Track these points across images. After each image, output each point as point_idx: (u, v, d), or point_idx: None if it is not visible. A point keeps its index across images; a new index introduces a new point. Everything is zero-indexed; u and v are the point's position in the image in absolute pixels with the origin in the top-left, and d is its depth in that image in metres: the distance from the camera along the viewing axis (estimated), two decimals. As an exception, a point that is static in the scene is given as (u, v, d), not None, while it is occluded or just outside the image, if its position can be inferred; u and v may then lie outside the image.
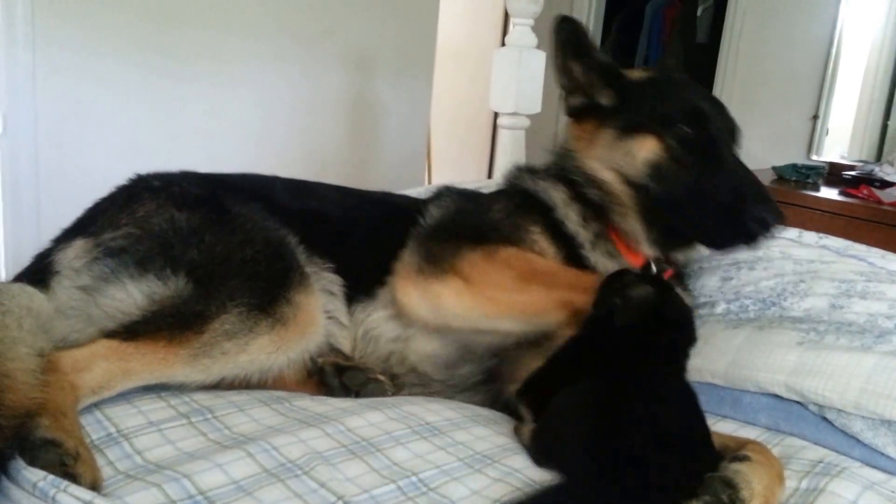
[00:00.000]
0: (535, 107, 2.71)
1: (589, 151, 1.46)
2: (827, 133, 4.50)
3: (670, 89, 1.48)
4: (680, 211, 1.36)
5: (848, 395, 1.24)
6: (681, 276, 1.55)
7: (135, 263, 1.21)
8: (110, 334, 1.14)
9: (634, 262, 1.44)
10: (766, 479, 0.99)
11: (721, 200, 1.32)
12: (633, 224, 1.42)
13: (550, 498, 0.95)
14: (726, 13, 4.84)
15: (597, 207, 1.44)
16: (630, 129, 1.41)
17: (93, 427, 1.03)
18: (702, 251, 1.55)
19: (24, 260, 1.34)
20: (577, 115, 1.51)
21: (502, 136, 2.85)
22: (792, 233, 1.99)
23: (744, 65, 4.73)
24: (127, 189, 1.40)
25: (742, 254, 1.78)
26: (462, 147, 6.38)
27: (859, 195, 3.66)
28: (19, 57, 2.87)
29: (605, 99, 1.46)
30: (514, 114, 2.74)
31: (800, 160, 4.27)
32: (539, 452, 1.07)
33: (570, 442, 1.00)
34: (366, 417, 1.14)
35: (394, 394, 1.36)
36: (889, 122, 4.35)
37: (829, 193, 3.77)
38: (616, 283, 1.19)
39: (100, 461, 0.94)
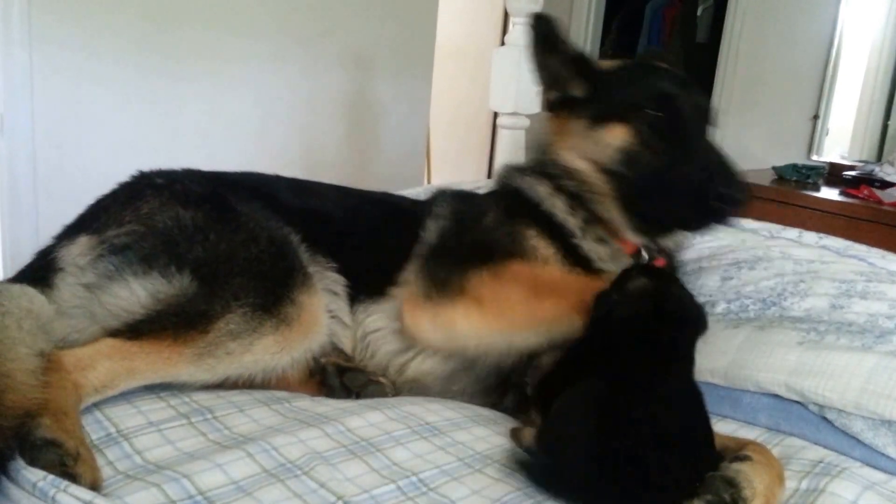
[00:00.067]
0: (535, 106, 2.70)
1: (564, 143, 1.47)
2: (827, 133, 4.50)
3: (639, 76, 1.48)
4: (651, 195, 1.36)
5: (848, 395, 1.24)
6: (673, 265, 1.54)
7: (139, 261, 1.21)
8: (114, 333, 1.13)
9: (625, 249, 1.44)
10: (767, 479, 0.99)
11: (688, 181, 1.31)
12: (612, 212, 1.42)
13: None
14: (726, 13, 4.83)
15: (578, 197, 1.45)
16: (600, 118, 1.41)
17: (93, 427, 1.03)
18: (687, 236, 1.55)
19: (23, 259, 1.33)
20: (554, 108, 1.51)
21: (502, 135, 2.85)
22: (792, 233, 1.99)
23: (744, 65, 4.72)
24: (130, 186, 1.39)
25: (742, 254, 1.78)
26: (461, 147, 6.38)
27: (859, 195, 3.66)
28: (17, 56, 2.86)
29: (577, 90, 1.46)
30: (513, 113, 2.74)
31: (800, 160, 4.27)
32: (542, 454, 1.07)
33: (571, 443, 1.00)
34: (366, 417, 1.14)
35: (393, 395, 1.36)
36: (889, 123, 4.34)
37: (829, 194, 3.77)
38: (618, 280, 1.19)
39: (100, 461, 0.94)
